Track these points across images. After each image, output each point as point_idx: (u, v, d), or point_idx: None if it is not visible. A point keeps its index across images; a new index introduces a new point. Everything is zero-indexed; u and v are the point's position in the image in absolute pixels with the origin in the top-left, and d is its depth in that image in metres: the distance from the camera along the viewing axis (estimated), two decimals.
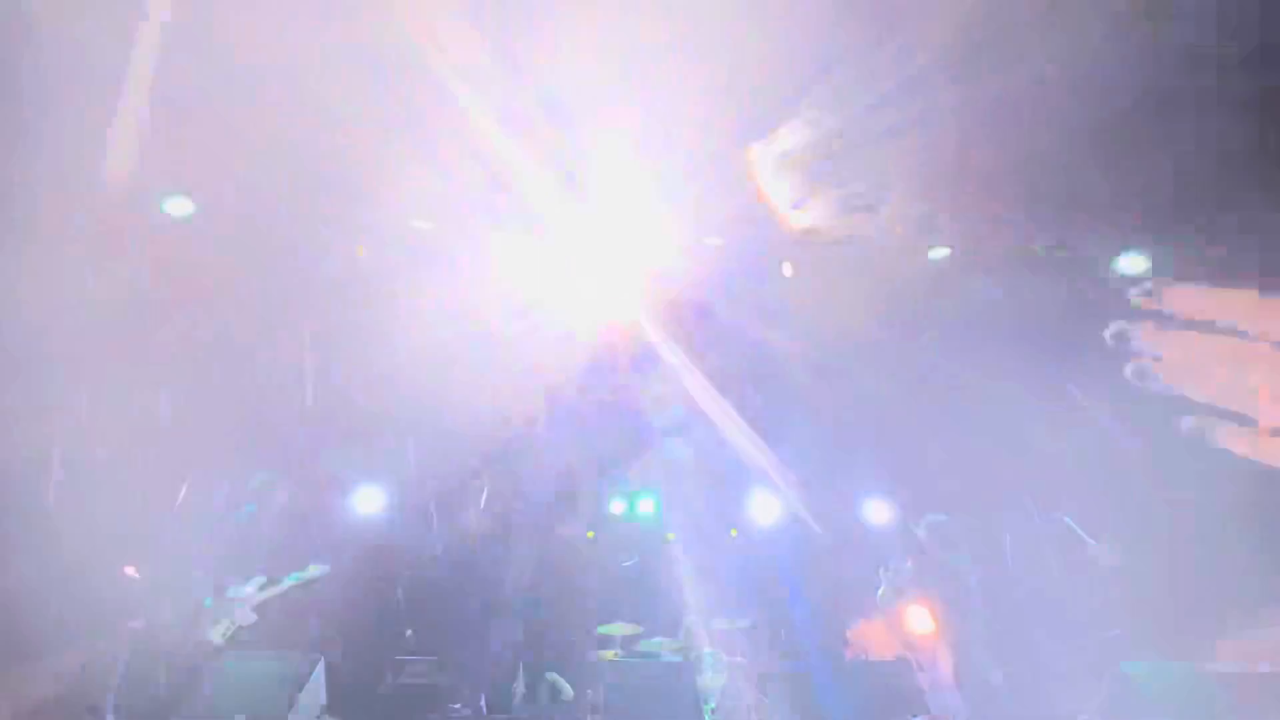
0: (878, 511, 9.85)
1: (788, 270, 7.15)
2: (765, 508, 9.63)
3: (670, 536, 7.00)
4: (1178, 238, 5.26)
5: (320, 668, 3.93)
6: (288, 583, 5.92)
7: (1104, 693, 4.14)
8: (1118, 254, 5.96)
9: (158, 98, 4.66)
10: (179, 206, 5.45)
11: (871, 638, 7.65)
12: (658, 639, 6.81)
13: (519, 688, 6.15)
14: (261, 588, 5.63)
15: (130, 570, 6.10)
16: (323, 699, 3.92)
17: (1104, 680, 4.15)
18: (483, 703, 4.08)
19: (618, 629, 6.65)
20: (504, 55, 4.44)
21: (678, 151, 5.20)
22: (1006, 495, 8.29)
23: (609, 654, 6.44)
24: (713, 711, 6.01)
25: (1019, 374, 7.98)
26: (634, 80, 4.59)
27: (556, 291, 6.62)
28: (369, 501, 9.22)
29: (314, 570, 6.02)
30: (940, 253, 5.99)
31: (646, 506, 9.71)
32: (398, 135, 4.91)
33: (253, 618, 5.59)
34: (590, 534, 6.99)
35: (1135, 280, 5.69)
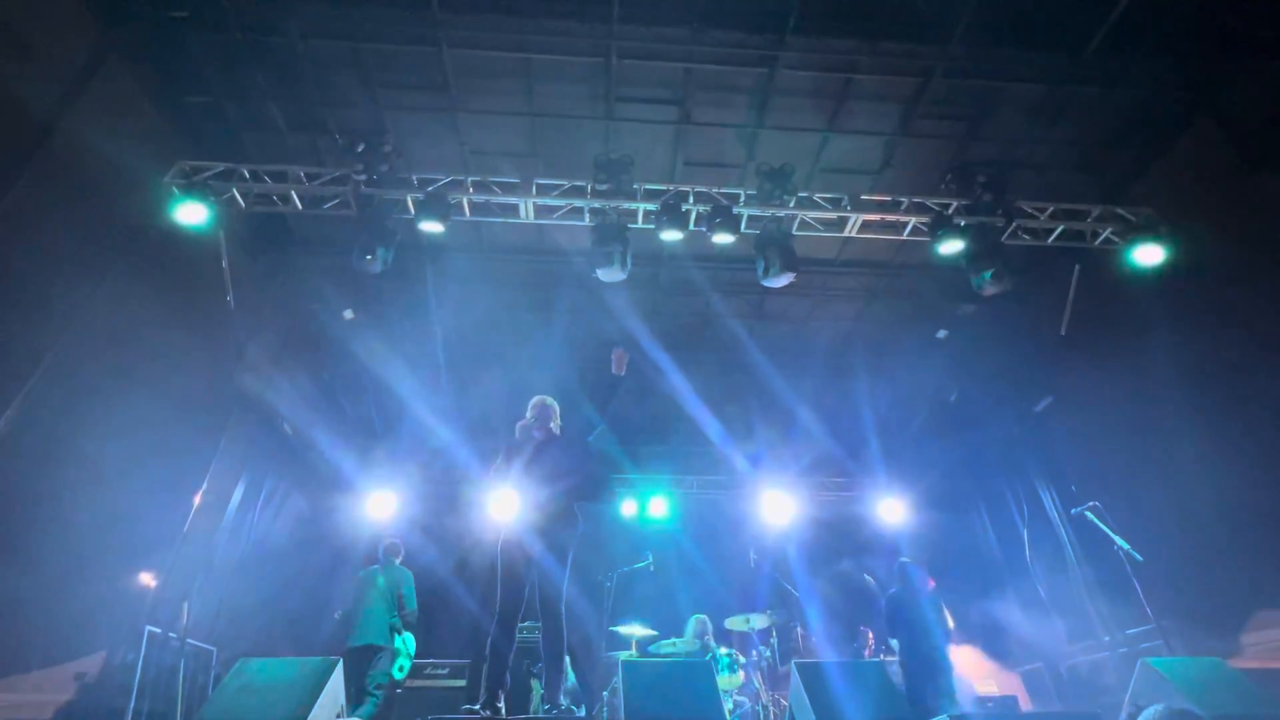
0: (890, 510, 9.81)
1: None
2: (779, 508, 9.61)
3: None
4: None
5: (339, 669, 3.92)
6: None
7: (1130, 689, 4.08)
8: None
9: None
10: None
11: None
12: (673, 639, 6.79)
13: (536, 689, 6.14)
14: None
15: (147, 578, 6.14)
16: (342, 700, 3.91)
17: (1131, 677, 4.09)
18: (501, 704, 4.06)
19: (633, 629, 6.63)
20: None
21: None
22: (1026, 489, 8.23)
23: (625, 654, 6.42)
24: (731, 711, 5.97)
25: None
26: None
27: None
28: (384, 506, 9.26)
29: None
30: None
31: (660, 507, 9.71)
32: None
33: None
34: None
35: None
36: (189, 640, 6.00)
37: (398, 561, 6.39)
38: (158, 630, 5.84)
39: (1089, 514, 5.01)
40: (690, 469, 10.20)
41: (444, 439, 9.44)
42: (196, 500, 6.63)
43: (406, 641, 6.14)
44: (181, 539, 6.40)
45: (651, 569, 7.14)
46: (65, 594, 5.07)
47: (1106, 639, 6.97)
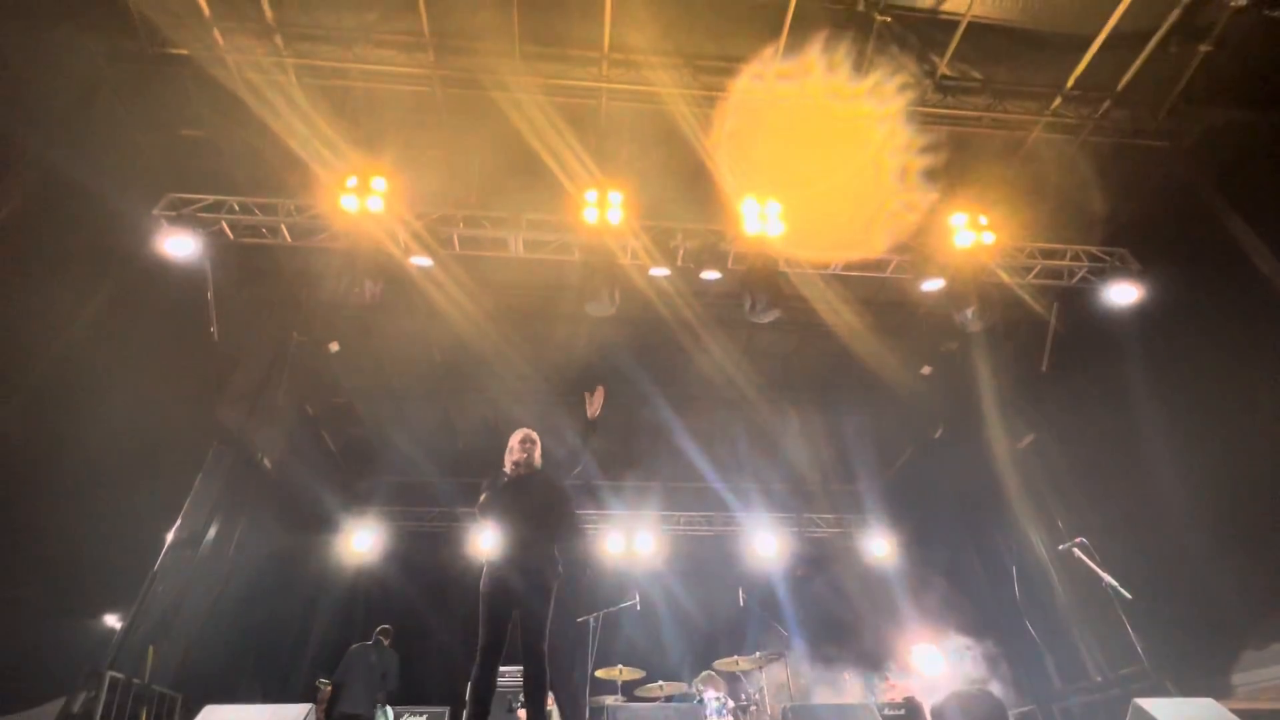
0: (880, 547, 9.73)
1: None
2: (768, 545, 9.50)
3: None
4: None
5: (311, 716, 3.75)
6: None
7: None
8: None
9: None
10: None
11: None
12: (659, 682, 6.59)
13: None
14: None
15: (111, 619, 5.89)
16: None
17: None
18: None
19: (620, 671, 6.44)
20: None
21: None
22: (1013, 525, 8.20)
23: (612, 699, 6.22)
24: None
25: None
26: None
27: None
28: (364, 544, 9.02)
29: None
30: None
31: (646, 545, 9.55)
32: None
33: None
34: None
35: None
36: (153, 686, 5.72)
37: (386, 644, 6.93)
38: (120, 675, 5.55)
39: (1076, 550, 4.97)
40: (677, 505, 10.08)
41: (427, 474, 9.29)
42: (169, 538, 6.41)
43: (386, 713, 6.73)
44: (150, 578, 6.15)
45: (637, 609, 6.97)
46: (21, 636, 4.83)
47: (1099, 679, 6.88)
